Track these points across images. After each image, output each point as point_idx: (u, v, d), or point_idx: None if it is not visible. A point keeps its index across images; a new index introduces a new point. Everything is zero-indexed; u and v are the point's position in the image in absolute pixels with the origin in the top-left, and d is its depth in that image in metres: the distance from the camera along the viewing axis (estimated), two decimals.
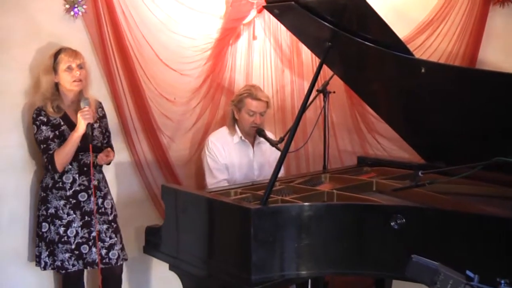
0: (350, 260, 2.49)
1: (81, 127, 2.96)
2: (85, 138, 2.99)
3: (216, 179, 3.53)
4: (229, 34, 3.95)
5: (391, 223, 2.46)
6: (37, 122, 3.03)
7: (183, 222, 2.81)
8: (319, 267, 2.48)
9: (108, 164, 3.27)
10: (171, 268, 2.94)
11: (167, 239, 2.91)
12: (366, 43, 2.57)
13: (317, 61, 4.21)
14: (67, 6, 3.32)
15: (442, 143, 3.22)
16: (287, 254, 2.46)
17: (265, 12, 4.13)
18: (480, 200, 2.77)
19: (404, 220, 2.45)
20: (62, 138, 3.03)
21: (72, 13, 3.34)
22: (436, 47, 3.99)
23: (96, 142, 3.17)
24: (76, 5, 3.33)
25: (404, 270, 1.52)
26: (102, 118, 3.28)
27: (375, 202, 2.60)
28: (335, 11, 2.61)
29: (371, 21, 2.55)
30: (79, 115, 2.96)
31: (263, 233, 2.42)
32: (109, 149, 3.22)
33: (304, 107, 2.65)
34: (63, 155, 2.99)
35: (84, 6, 3.36)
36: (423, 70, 2.60)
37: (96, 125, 3.20)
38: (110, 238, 3.19)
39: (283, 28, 4.24)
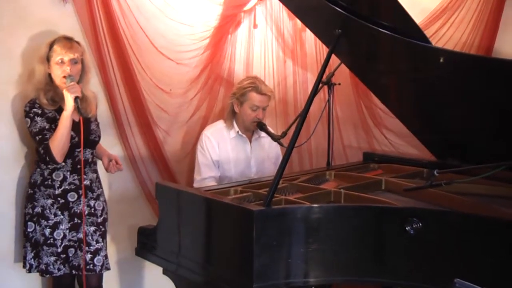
0: (361, 267, 2.31)
1: (68, 103, 2.72)
2: (79, 128, 2.76)
3: (201, 176, 3.34)
4: (229, 21, 3.77)
5: (406, 228, 2.26)
6: (31, 114, 2.82)
7: (179, 223, 2.62)
8: (328, 274, 2.29)
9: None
10: (165, 272, 2.74)
11: (161, 242, 2.72)
12: (382, 30, 2.36)
13: (321, 51, 4.09)
14: None
15: (456, 139, 3.04)
16: (293, 260, 2.27)
17: None
18: (501, 203, 2.57)
19: (420, 224, 2.25)
20: None
21: None
22: (449, 37, 3.82)
23: (94, 137, 2.98)
24: None
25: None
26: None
27: (389, 204, 2.40)
28: None
29: (386, 5, 2.34)
30: (64, 90, 2.73)
31: (266, 237, 2.22)
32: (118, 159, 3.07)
33: (311, 100, 2.44)
34: (57, 141, 2.76)
35: None
36: (441, 60, 2.40)
37: (92, 119, 3.00)
38: (97, 242, 2.97)
39: (285, 16, 4.10)
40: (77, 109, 2.72)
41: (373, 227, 2.32)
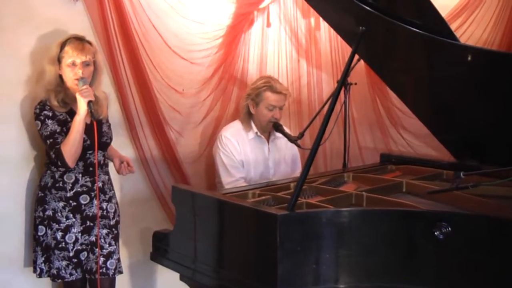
0: (389, 273, 2.21)
1: (82, 107, 2.64)
2: (91, 130, 2.67)
3: (233, 177, 3.26)
4: (243, 20, 3.70)
5: (435, 232, 2.17)
6: (41, 117, 2.73)
7: (197, 228, 2.52)
8: (356, 279, 2.19)
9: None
10: (182, 278, 2.65)
11: (177, 246, 2.63)
12: (410, 28, 2.27)
13: (336, 50, 4.01)
14: None
15: (477, 140, 2.95)
16: (318, 266, 2.18)
17: None
18: None
19: (450, 228, 2.16)
20: None
21: None
22: (470, 35, 3.73)
23: (106, 139, 2.90)
24: None
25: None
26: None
27: (416, 208, 2.31)
28: None
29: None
30: (77, 94, 2.64)
31: (290, 242, 2.14)
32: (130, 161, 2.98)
33: (335, 101, 2.35)
34: (69, 145, 2.67)
35: None
36: (469, 58, 2.31)
37: (104, 120, 2.92)
38: (110, 245, 2.89)
39: (299, 15, 4.03)
40: (90, 113, 2.65)
41: (401, 231, 2.23)
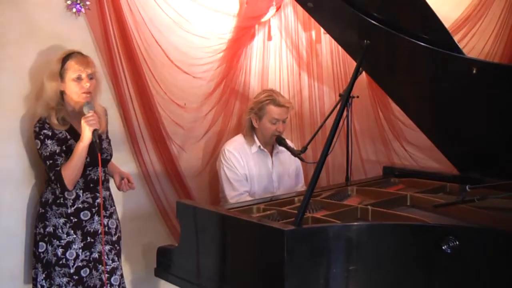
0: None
1: (86, 135, 2.61)
2: (92, 148, 2.65)
3: (237, 191, 3.24)
4: (245, 34, 3.69)
5: (443, 247, 2.14)
6: (41, 136, 2.70)
7: (202, 243, 2.49)
8: None
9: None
10: None
11: (182, 262, 2.59)
12: (414, 41, 2.26)
13: (337, 63, 4.01)
14: (69, 2, 3.01)
15: (482, 152, 2.93)
16: (326, 281, 2.15)
17: (281, 10, 3.87)
18: None
19: (457, 242, 2.14)
20: (69, 154, 2.69)
21: (74, 9, 3.03)
22: (472, 47, 3.74)
23: (106, 155, 2.86)
24: (78, 1, 3.02)
25: None
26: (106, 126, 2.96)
27: (424, 222, 2.29)
28: (374, 2, 2.31)
29: (417, 13, 2.25)
30: (83, 121, 2.62)
31: (298, 257, 2.10)
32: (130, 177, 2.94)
33: (341, 114, 2.33)
34: (70, 170, 2.65)
35: (87, 2, 3.06)
36: (474, 71, 2.29)
37: (103, 136, 2.88)
38: (113, 261, 2.86)
39: (299, 28, 4.01)
40: (94, 143, 2.60)
41: (409, 246, 2.20)
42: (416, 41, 2.27)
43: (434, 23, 2.26)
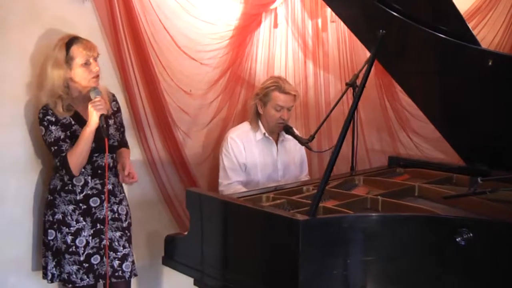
0: (411, 280, 2.18)
1: (93, 120, 2.58)
2: (99, 134, 2.61)
3: (229, 180, 3.23)
4: (252, 21, 3.64)
5: (457, 239, 2.14)
6: (45, 123, 2.67)
7: (213, 233, 2.47)
8: (379, 286, 2.16)
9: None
10: (196, 283, 2.60)
11: (190, 251, 2.57)
12: (431, 31, 2.24)
13: (343, 52, 3.97)
14: None
15: (491, 144, 2.92)
16: (339, 272, 2.14)
17: None
18: None
19: (471, 234, 2.14)
20: (74, 139, 2.66)
21: None
22: (482, 38, 3.70)
23: (113, 142, 2.82)
24: None
25: None
26: (116, 112, 2.93)
27: (437, 214, 2.28)
28: None
29: (435, 4, 2.23)
30: (90, 106, 2.58)
31: (312, 248, 2.09)
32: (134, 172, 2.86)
33: (355, 106, 2.32)
34: (76, 156, 2.62)
35: None
36: (490, 63, 2.28)
37: (111, 121, 2.84)
38: (124, 247, 2.83)
39: (306, 16, 3.97)
40: (101, 128, 2.57)
41: (424, 237, 2.20)
42: (433, 32, 2.24)
43: (452, 13, 2.24)
